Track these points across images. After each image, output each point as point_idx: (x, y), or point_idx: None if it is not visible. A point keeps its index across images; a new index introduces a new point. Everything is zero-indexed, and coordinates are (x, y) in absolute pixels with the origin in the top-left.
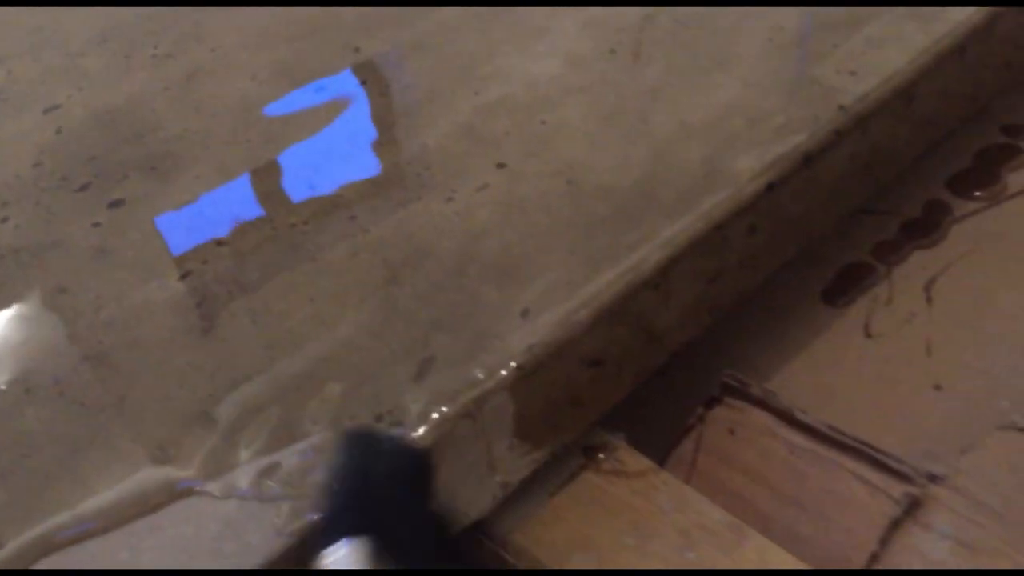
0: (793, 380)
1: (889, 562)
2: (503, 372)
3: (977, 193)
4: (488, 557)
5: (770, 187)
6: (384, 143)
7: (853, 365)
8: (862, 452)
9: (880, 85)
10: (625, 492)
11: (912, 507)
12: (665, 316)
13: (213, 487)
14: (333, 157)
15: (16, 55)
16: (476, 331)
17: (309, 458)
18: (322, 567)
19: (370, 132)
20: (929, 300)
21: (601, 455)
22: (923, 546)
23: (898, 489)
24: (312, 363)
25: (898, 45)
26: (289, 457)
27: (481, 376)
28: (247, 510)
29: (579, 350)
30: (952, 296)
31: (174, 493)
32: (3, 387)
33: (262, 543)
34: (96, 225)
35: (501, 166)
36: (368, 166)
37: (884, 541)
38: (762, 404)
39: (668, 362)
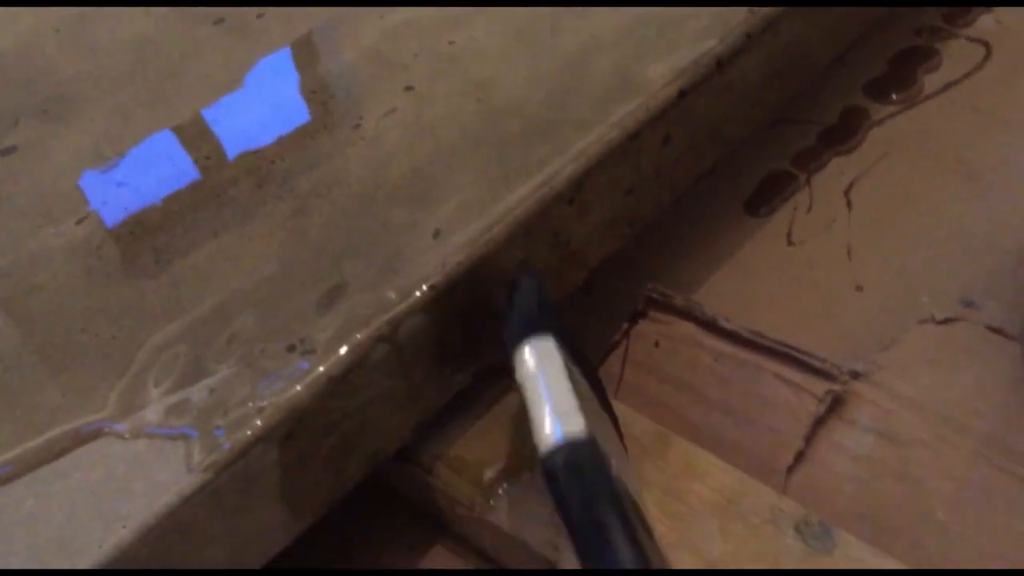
0: (718, 290)
1: (815, 458)
2: (416, 293)
3: (893, 96)
4: (414, 482)
5: (682, 93)
6: (287, 73)
7: (776, 272)
8: (784, 354)
9: None
10: None
11: (835, 404)
12: (582, 230)
13: (121, 428)
14: (235, 91)
15: None
16: (387, 255)
17: (218, 393)
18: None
19: (272, 64)
20: (849, 204)
21: None
22: (847, 441)
23: (821, 387)
24: (220, 298)
25: None
26: (198, 393)
27: (393, 298)
28: (156, 448)
29: (495, 268)
30: (871, 199)
31: (81, 437)
32: None
33: (172, 480)
34: None
35: (409, 89)
36: (271, 98)
37: (809, 438)
38: (686, 315)
39: (593, 279)
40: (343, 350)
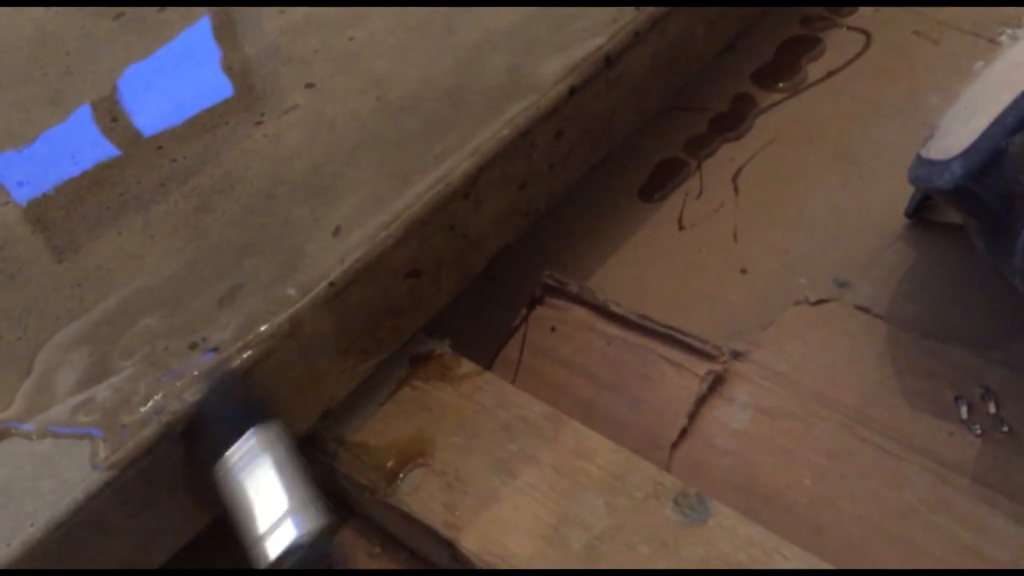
0: (612, 275)
1: (697, 434)
2: (316, 290)
3: (780, 84)
4: (320, 468)
5: (572, 91)
6: (189, 70)
7: (667, 256)
8: (670, 336)
9: None
10: (451, 395)
11: (716, 383)
12: (479, 223)
13: (28, 428)
14: (136, 87)
15: None
16: (288, 252)
17: (123, 391)
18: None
19: (174, 60)
20: (736, 190)
21: (427, 362)
22: (726, 417)
23: (703, 367)
24: (123, 297)
25: None
26: (103, 391)
27: (294, 295)
28: (63, 447)
29: (394, 263)
30: (757, 184)
31: None
32: None
33: (78, 478)
34: None
35: (310, 86)
36: (173, 95)
37: (692, 416)
38: (580, 300)
39: (493, 267)
40: (245, 347)
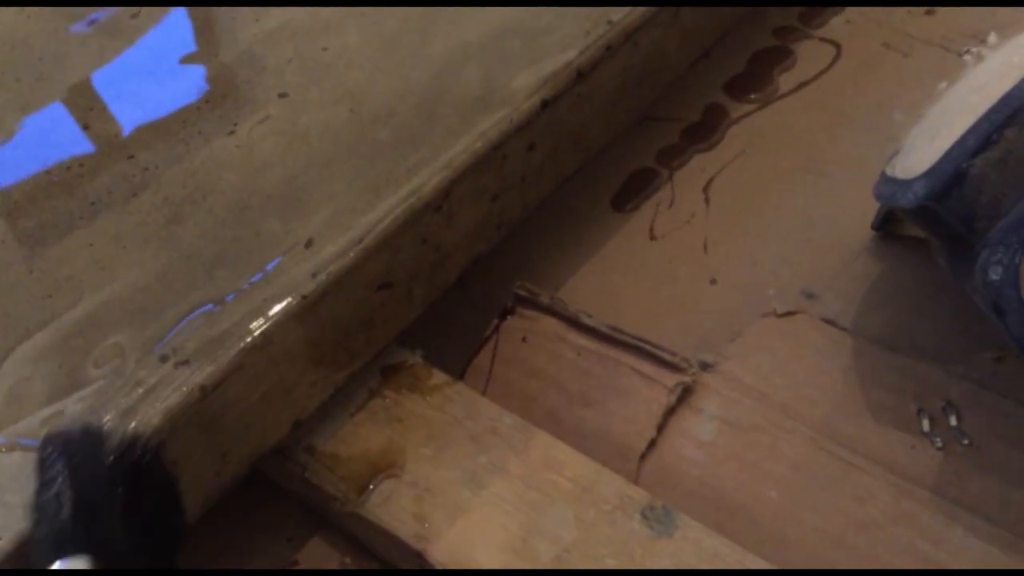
0: (584, 285)
1: (666, 445)
2: (288, 302)
3: (752, 95)
4: (291, 478)
5: (544, 104)
6: (162, 76)
7: (638, 267)
8: (640, 348)
9: None
10: (422, 406)
11: (685, 394)
12: (451, 236)
13: None
14: (109, 95)
15: None
16: (260, 265)
17: (92, 404)
18: None
19: (146, 66)
20: (707, 200)
21: (398, 373)
22: (694, 429)
23: (672, 379)
24: (94, 309)
25: None
26: (72, 404)
27: (265, 308)
28: (32, 460)
29: (366, 275)
30: (727, 195)
31: None
32: None
33: None
34: None
35: (283, 96)
36: (146, 102)
37: (661, 428)
38: (551, 311)
39: (465, 277)
40: (216, 360)
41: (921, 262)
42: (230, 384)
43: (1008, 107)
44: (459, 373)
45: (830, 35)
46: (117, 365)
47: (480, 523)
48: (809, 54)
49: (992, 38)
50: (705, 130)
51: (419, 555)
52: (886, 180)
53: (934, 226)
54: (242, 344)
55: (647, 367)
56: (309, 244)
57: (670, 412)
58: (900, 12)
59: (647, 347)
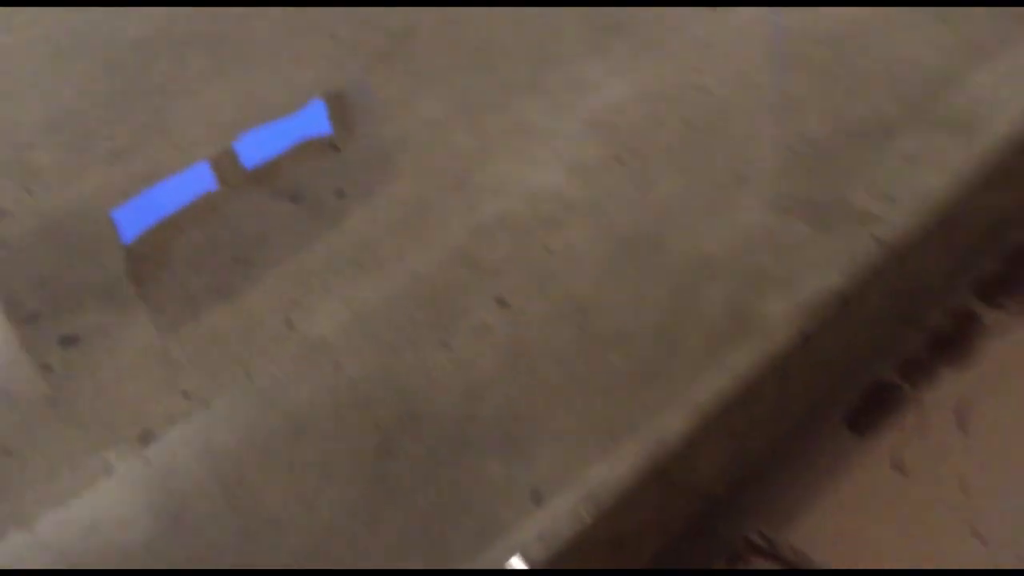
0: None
1: None
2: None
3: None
4: None
5: (806, 338)
6: (369, 273)
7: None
8: None
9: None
10: None
11: None
12: (691, 480)
13: None
14: (313, 292)
15: None
16: (482, 518)
17: None
18: None
19: (355, 260)
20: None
21: None
22: None
23: None
24: (290, 554)
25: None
26: None
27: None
28: None
29: (597, 536)
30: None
31: None
32: None
33: None
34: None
35: (502, 303)
36: (354, 304)
37: None
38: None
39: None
40: None
41: None
42: None
43: None
44: None
45: None
46: None
47: None
48: None
49: None
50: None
51: None
52: None
53: None
54: None
55: None
56: (536, 498)
57: None
58: None
59: None
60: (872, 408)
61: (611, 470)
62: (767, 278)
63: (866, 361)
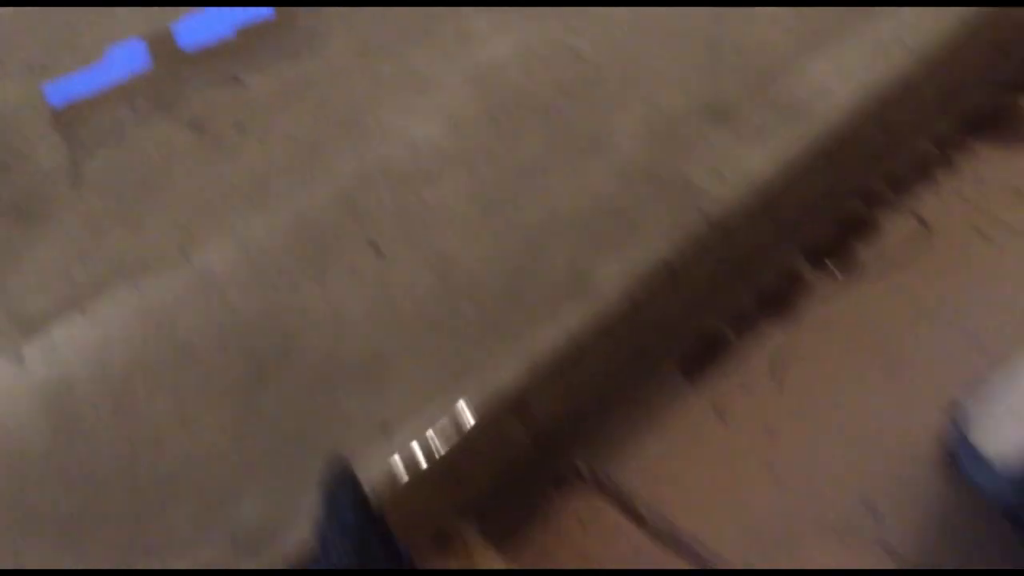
0: (644, 455)
1: None
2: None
3: (832, 266)
4: None
5: (635, 303)
6: (261, 208)
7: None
8: (697, 554)
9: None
10: None
11: None
12: (524, 428)
13: None
14: (206, 219)
15: None
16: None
17: None
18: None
19: (247, 196)
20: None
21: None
22: None
23: None
24: (168, 470)
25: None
26: None
27: None
28: None
29: (435, 468)
30: (800, 377)
31: None
32: None
33: None
34: None
35: (374, 246)
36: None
37: None
38: (612, 498)
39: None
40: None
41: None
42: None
43: None
44: (511, 539)
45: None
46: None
47: None
48: (896, 228)
49: None
50: (782, 299)
51: None
52: (967, 450)
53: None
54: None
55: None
56: (384, 428)
57: None
58: (994, 193)
59: (703, 553)
60: (702, 356)
61: (453, 408)
62: (606, 243)
63: (701, 312)
